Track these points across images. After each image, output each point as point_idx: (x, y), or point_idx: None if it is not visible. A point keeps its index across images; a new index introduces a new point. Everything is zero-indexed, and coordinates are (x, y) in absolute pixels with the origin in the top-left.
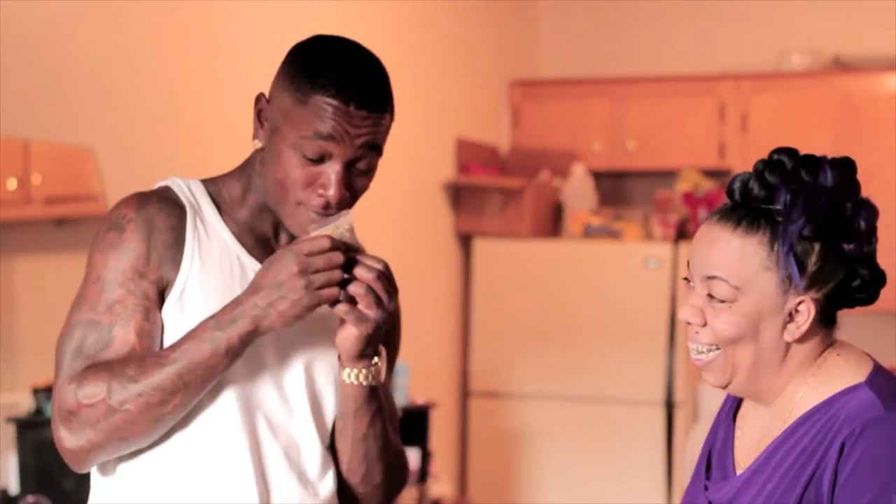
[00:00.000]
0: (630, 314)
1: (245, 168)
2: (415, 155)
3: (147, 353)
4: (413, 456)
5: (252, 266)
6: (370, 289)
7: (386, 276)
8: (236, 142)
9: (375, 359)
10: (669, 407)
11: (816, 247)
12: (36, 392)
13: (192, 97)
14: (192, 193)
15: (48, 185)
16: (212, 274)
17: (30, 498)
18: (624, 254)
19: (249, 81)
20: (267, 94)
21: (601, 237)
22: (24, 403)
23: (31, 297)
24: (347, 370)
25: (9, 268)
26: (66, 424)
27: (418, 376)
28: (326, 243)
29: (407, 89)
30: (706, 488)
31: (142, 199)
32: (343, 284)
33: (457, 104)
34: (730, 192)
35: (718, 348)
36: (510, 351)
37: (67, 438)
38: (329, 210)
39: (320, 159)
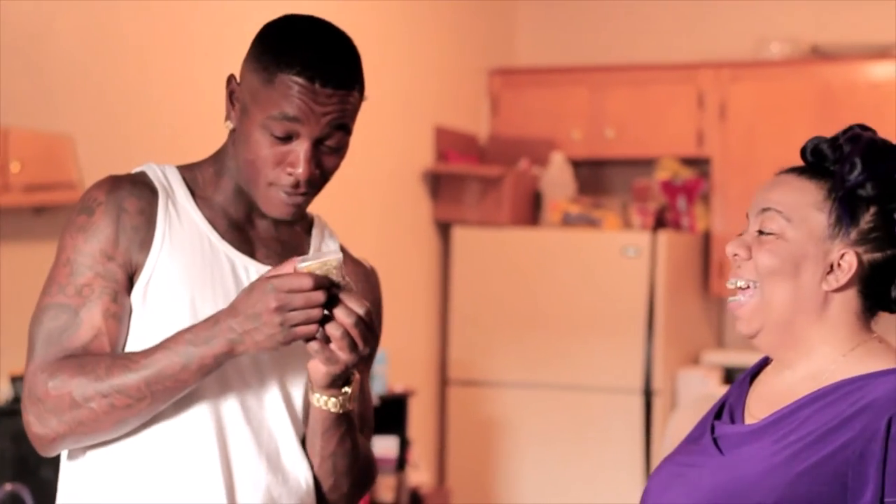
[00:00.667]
0: (609, 302)
1: (219, 152)
2: (393, 143)
3: (116, 351)
4: (391, 444)
5: (224, 250)
6: (346, 333)
7: (365, 322)
8: (215, 129)
9: (346, 388)
10: (648, 395)
11: (872, 209)
12: (14, 380)
13: (170, 85)
14: (166, 178)
15: (27, 173)
16: (182, 257)
17: (7, 486)
18: (603, 242)
19: (228, 70)
20: (238, 75)
21: (580, 225)
22: (3, 392)
23: (9, 284)
24: (317, 395)
25: None
26: (34, 410)
27: (397, 364)
28: (308, 283)
29: (386, 77)
30: (713, 428)
31: (113, 183)
32: (323, 320)
33: (435, 92)
34: (802, 151)
35: (756, 286)
36: (489, 339)
37: (34, 424)
38: (299, 189)
39: (288, 138)
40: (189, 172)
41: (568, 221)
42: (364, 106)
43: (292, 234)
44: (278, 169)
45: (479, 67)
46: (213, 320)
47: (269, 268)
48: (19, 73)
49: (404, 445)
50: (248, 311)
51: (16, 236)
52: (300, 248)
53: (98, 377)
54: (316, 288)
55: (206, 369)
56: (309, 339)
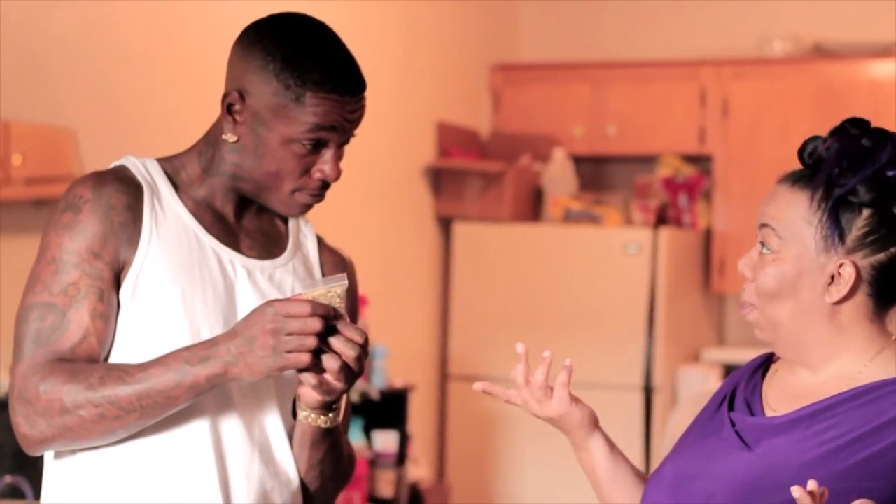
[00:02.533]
0: (610, 299)
1: (206, 152)
2: (395, 139)
3: (104, 351)
4: (391, 439)
5: (210, 244)
6: (345, 365)
7: (365, 351)
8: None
9: (335, 405)
10: (648, 392)
11: (865, 212)
12: None
13: (172, 77)
14: (148, 172)
15: (28, 166)
16: (170, 253)
17: (7, 478)
18: (604, 239)
19: None
20: (233, 87)
21: (581, 222)
22: (2, 384)
23: (10, 278)
24: (306, 413)
25: None
26: (23, 411)
27: (397, 359)
28: (307, 309)
29: (388, 73)
30: (733, 422)
31: (98, 180)
32: (319, 350)
33: (438, 88)
34: (800, 152)
35: (758, 308)
36: (489, 334)
37: (22, 425)
38: (325, 189)
39: (316, 147)
40: (169, 165)
41: (569, 218)
42: (366, 101)
43: (272, 224)
44: (306, 176)
45: (481, 63)
46: (213, 342)
47: (253, 260)
48: (20, 66)
49: (404, 440)
50: (245, 332)
51: (17, 229)
52: (280, 238)
53: (90, 385)
54: (315, 316)
55: (198, 389)
56: (302, 369)
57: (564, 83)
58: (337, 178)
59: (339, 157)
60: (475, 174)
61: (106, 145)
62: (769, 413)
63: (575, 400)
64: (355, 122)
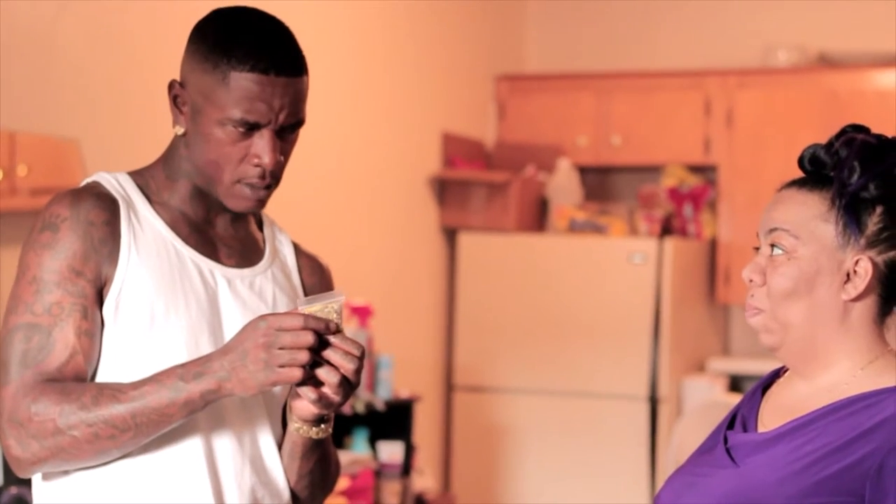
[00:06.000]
0: (615, 309)
1: (168, 156)
2: (401, 149)
3: (91, 368)
4: (397, 449)
5: (189, 255)
6: (343, 379)
7: (361, 362)
8: None
9: (327, 416)
10: (653, 402)
11: (878, 209)
12: None
13: None
14: (121, 186)
15: (34, 177)
16: (150, 267)
17: (13, 489)
18: (609, 249)
19: None
20: (179, 79)
21: (586, 232)
22: None
23: None
24: (298, 426)
25: None
26: (14, 433)
27: (403, 370)
28: (299, 323)
29: (393, 83)
30: (726, 439)
31: (75, 197)
32: (314, 363)
33: (443, 98)
34: (800, 161)
35: (771, 311)
36: (495, 345)
37: (14, 447)
38: (265, 180)
39: (249, 132)
40: (140, 178)
41: (574, 228)
42: (372, 111)
43: (248, 232)
44: (243, 164)
45: (486, 73)
46: (207, 358)
47: (232, 269)
48: (26, 77)
49: (410, 451)
50: (238, 347)
51: (23, 239)
52: (257, 245)
53: (83, 405)
54: (307, 329)
55: (193, 405)
56: (300, 383)
57: (569, 93)
58: (273, 165)
59: (278, 145)
60: (480, 184)
61: (109, 157)
62: (761, 429)
63: None
64: (287, 106)
